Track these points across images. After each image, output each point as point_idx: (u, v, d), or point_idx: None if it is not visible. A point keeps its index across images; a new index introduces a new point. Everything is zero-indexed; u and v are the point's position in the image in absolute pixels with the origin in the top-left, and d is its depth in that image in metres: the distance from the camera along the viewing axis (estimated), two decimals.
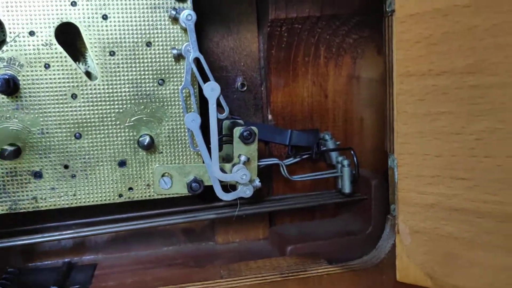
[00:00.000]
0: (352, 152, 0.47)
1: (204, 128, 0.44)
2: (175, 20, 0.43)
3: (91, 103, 0.43)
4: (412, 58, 0.33)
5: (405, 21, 0.33)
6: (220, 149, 0.48)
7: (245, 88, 0.54)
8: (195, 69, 0.43)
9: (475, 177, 0.32)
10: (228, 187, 0.46)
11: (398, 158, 0.35)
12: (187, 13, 0.42)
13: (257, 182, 0.44)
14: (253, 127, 0.45)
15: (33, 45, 0.41)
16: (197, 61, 0.43)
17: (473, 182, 0.32)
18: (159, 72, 0.44)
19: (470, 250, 0.32)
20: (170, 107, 0.45)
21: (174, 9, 0.43)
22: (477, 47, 0.30)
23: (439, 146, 0.33)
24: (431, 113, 0.33)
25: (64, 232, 0.48)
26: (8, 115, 0.42)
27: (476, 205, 0.32)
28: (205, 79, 0.43)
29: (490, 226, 0.31)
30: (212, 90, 0.42)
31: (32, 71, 0.41)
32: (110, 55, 0.43)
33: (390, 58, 0.36)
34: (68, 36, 0.43)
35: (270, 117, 0.54)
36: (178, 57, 0.43)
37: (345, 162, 0.50)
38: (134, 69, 0.44)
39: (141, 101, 0.44)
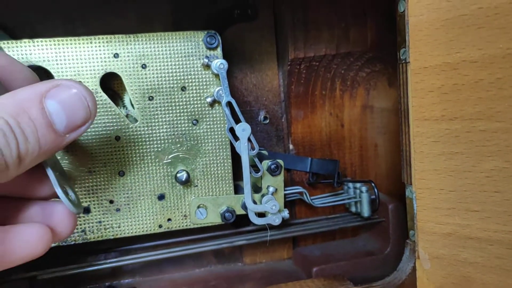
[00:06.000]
0: (372, 184, 0.51)
1: (236, 163, 0.48)
2: (207, 66, 0.48)
3: (133, 144, 0.48)
4: (427, 105, 0.37)
5: (419, 72, 0.37)
6: None
7: (267, 121, 0.58)
8: (227, 112, 0.47)
9: (486, 210, 0.36)
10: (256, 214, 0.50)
11: (416, 191, 0.40)
12: (220, 62, 0.46)
13: (286, 213, 0.49)
14: (279, 160, 0.50)
15: None
16: (229, 103, 0.47)
17: (485, 214, 0.36)
18: (193, 113, 0.48)
19: (484, 274, 0.36)
20: (203, 144, 0.49)
21: (207, 57, 0.47)
22: (484, 97, 0.34)
23: (453, 182, 0.37)
24: (445, 153, 0.37)
25: (108, 261, 0.52)
26: (59, 157, 0.46)
27: (488, 234, 0.36)
28: (237, 119, 0.47)
29: (500, 252, 0.35)
30: (243, 130, 0.46)
31: None
32: (149, 100, 0.48)
33: (405, 100, 0.41)
34: (105, 77, 0.47)
35: (291, 146, 0.59)
36: (213, 103, 0.48)
37: (364, 188, 0.54)
38: (170, 111, 0.48)
39: (177, 140, 0.49)
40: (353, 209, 0.57)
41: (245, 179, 0.47)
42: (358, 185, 0.55)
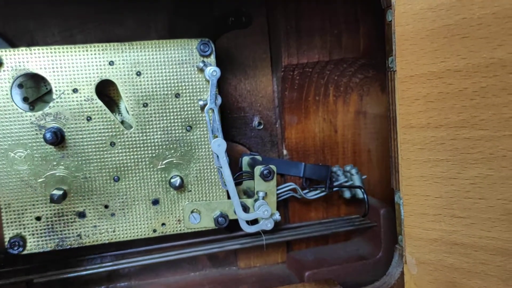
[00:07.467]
0: (362, 190, 0.52)
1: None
2: (201, 70, 0.48)
3: (128, 150, 0.49)
4: (413, 113, 0.38)
5: (405, 81, 0.38)
6: (240, 183, 0.54)
7: (262, 127, 0.59)
8: (207, 119, 0.48)
9: (471, 216, 0.36)
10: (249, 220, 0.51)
11: (403, 198, 0.40)
12: (213, 70, 0.47)
13: (277, 216, 0.49)
14: (272, 166, 0.51)
15: (77, 101, 0.47)
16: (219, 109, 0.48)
17: (470, 220, 0.36)
18: (186, 119, 0.49)
19: (469, 279, 0.37)
20: (197, 150, 0.50)
21: (203, 61, 0.48)
22: (468, 105, 0.35)
23: (439, 189, 0.38)
24: (431, 160, 0.38)
25: (104, 265, 0.53)
26: (55, 163, 0.47)
27: (473, 240, 0.37)
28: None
29: (485, 258, 0.36)
30: (219, 146, 0.47)
31: (76, 123, 0.47)
32: (144, 106, 0.48)
33: (393, 107, 0.42)
34: (101, 84, 0.48)
35: (285, 152, 0.60)
36: (204, 107, 0.49)
37: (353, 171, 0.55)
38: (164, 118, 0.49)
39: (171, 146, 0.50)
40: (346, 194, 0.58)
41: (231, 191, 0.47)
42: (348, 167, 0.57)
